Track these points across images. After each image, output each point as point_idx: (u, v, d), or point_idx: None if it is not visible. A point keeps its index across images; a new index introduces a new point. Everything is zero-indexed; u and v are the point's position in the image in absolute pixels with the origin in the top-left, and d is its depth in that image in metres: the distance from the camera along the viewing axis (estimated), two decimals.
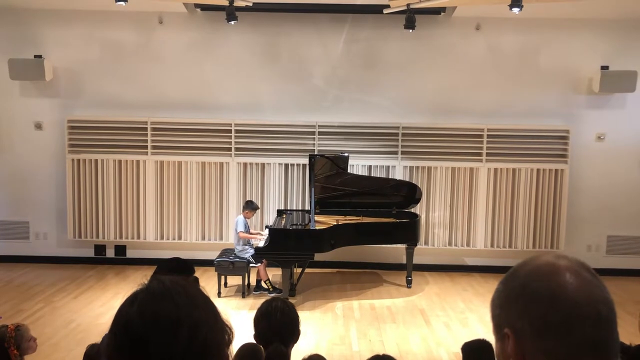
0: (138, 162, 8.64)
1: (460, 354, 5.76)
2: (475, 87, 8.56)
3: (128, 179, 8.66)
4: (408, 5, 7.20)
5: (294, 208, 8.56)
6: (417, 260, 8.10)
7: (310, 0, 8.05)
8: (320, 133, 8.58)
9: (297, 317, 2.83)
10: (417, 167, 8.61)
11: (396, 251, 8.49)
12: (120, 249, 8.87)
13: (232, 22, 7.44)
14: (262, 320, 2.77)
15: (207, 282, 7.43)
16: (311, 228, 7.16)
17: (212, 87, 8.65)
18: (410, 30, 7.66)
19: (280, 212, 8.24)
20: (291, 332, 2.78)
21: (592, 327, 1.03)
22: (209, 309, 1.10)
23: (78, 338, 5.87)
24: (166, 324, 1.04)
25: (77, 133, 8.60)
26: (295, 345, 2.84)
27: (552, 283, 1.05)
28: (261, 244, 7.22)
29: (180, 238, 8.73)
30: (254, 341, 2.82)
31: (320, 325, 6.53)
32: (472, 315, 6.97)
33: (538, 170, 8.53)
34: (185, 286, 1.11)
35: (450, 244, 8.71)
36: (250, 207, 7.64)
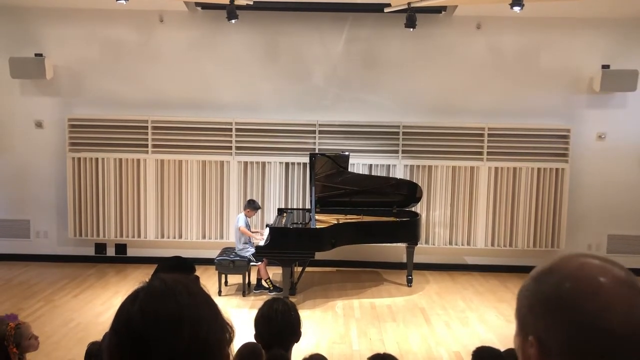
0: (139, 160, 8.64)
1: (460, 353, 5.78)
2: (476, 86, 8.55)
3: (129, 177, 8.66)
4: (409, 4, 7.19)
5: (295, 207, 8.56)
6: (417, 259, 8.11)
7: None
8: (320, 132, 8.58)
9: (298, 319, 2.81)
10: (418, 166, 8.61)
11: (397, 250, 8.49)
12: (121, 248, 8.88)
13: (233, 21, 7.44)
14: (263, 323, 2.75)
15: (208, 280, 7.43)
16: (312, 227, 7.16)
17: (213, 86, 8.65)
18: (411, 29, 7.66)
19: (280, 211, 8.24)
20: (291, 335, 2.76)
21: None
22: (210, 308, 1.10)
23: (78, 337, 5.88)
24: (167, 322, 1.04)
25: (77, 132, 8.60)
26: (296, 344, 2.84)
27: (595, 308, 0.93)
28: (262, 242, 7.22)
29: (180, 237, 8.73)
30: (254, 340, 2.81)
31: (321, 324, 6.53)
32: (473, 314, 6.97)
33: (539, 169, 8.52)
34: (187, 285, 1.10)
35: (450, 243, 8.71)
36: (252, 206, 7.65)
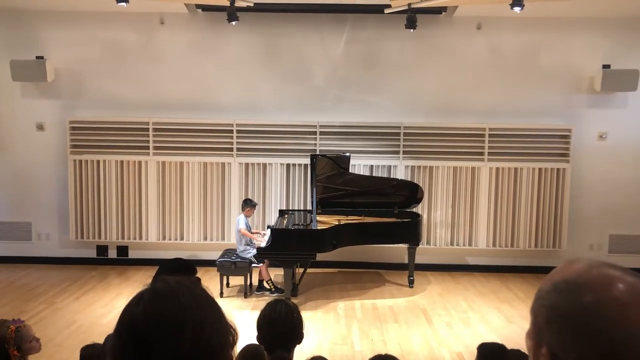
0: (140, 162, 8.65)
1: (462, 354, 5.78)
2: (477, 87, 8.55)
3: (130, 179, 8.67)
4: (409, 4, 7.19)
5: (296, 208, 8.56)
6: (419, 259, 8.10)
7: (311, 0, 8.05)
8: (321, 133, 8.58)
9: (300, 320, 2.81)
10: (419, 167, 8.61)
11: (398, 251, 8.49)
12: (123, 250, 8.88)
13: (233, 23, 7.44)
14: (265, 325, 2.75)
15: (209, 282, 7.42)
16: (313, 228, 7.16)
17: (214, 88, 8.65)
18: (412, 30, 7.66)
19: (282, 212, 8.24)
20: (294, 337, 2.76)
21: None
22: (214, 310, 1.10)
23: (80, 339, 5.87)
24: (171, 324, 1.04)
25: (78, 134, 8.61)
26: (298, 345, 2.84)
27: (619, 338, 0.86)
28: (263, 244, 7.22)
29: (182, 238, 8.74)
30: (256, 342, 2.81)
31: (323, 325, 6.53)
32: (474, 314, 6.97)
33: (540, 169, 8.52)
34: (191, 287, 1.11)
35: (452, 243, 8.71)
36: (249, 204, 7.66)
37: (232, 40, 8.54)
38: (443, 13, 8.31)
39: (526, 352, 1.03)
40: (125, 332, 1.06)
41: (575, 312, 0.90)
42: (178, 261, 3.59)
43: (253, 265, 7.45)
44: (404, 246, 8.07)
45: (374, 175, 8.54)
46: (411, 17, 7.50)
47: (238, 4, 7.20)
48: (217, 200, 8.70)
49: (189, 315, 1.06)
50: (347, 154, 7.98)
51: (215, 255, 7.77)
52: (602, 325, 0.87)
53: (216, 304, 1.13)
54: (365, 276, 8.47)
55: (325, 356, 3.51)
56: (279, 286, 7.54)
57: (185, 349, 1.04)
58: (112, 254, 8.89)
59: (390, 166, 8.61)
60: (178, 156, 8.62)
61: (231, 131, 8.58)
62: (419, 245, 7.91)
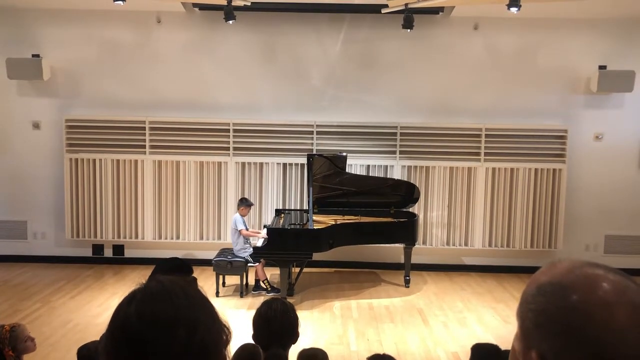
0: (136, 161, 8.63)
1: (458, 354, 5.78)
2: (474, 87, 8.56)
3: (126, 178, 8.65)
4: (406, 4, 7.20)
5: (292, 208, 8.56)
6: (415, 259, 8.11)
7: (308, 0, 8.05)
8: (318, 133, 8.58)
9: (296, 319, 2.82)
10: (415, 167, 8.61)
11: (394, 251, 8.49)
12: (118, 249, 8.86)
13: (231, 22, 7.44)
14: (261, 324, 2.75)
15: (206, 281, 7.43)
16: (309, 228, 7.16)
17: (211, 87, 8.64)
18: (409, 30, 7.65)
19: (278, 212, 8.23)
20: (290, 335, 2.76)
21: None
22: (207, 310, 1.10)
23: (76, 338, 5.86)
24: (164, 324, 1.04)
25: (75, 132, 8.59)
26: (293, 345, 2.84)
27: (607, 340, 0.86)
28: (259, 243, 7.22)
29: (178, 238, 8.72)
30: (252, 341, 2.81)
31: (319, 325, 6.53)
32: (471, 314, 6.98)
33: (536, 169, 8.54)
34: (184, 286, 1.10)
35: (448, 243, 8.72)
36: (245, 203, 7.64)
37: (229, 39, 8.53)
38: (440, 13, 8.32)
39: None
40: (117, 331, 1.06)
41: (561, 314, 0.90)
42: (174, 260, 3.59)
43: (249, 264, 7.45)
44: (400, 246, 8.07)
45: (370, 175, 8.54)
46: (408, 17, 7.50)
47: (235, 3, 7.19)
48: (214, 200, 8.69)
49: (182, 314, 1.05)
50: (344, 154, 7.98)
51: (211, 254, 7.76)
52: (589, 327, 0.87)
53: (210, 303, 1.13)
54: (362, 276, 8.47)
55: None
56: (275, 286, 7.54)
57: (178, 348, 1.03)
58: (108, 253, 8.88)
59: (386, 166, 8.62)
60: (174, 155, 8.61)
61: (228, 130, 8.57)
62: (415, 245, 7.92)
